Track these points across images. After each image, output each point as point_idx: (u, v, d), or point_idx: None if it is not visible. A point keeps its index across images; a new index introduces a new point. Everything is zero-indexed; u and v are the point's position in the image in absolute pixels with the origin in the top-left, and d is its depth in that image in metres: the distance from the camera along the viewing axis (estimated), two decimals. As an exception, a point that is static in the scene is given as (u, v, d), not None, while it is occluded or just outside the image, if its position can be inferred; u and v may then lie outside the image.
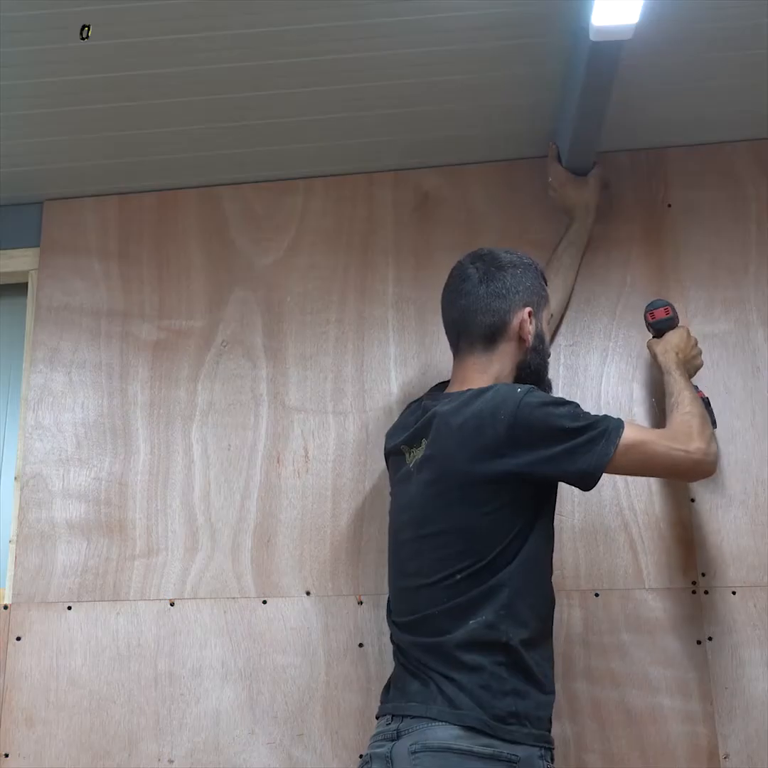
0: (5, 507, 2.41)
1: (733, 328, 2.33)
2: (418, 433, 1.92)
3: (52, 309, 2.47)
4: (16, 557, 2.28)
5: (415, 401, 2.09)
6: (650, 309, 2.19)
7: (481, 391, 1.85)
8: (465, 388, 1.89)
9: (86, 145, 2.37)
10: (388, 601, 1.95)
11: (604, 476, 2.20)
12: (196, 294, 2.46)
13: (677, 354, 2.09)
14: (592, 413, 1.84)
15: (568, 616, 2.14)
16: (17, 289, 2.57)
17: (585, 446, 1.79)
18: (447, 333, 2.04)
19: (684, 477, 2.05)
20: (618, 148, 2.44)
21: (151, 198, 2.54)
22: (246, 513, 2.28)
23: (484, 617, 1.75)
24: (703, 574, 2.16)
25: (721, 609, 2.13)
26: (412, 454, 1.93)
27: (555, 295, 2.25)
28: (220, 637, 2.20)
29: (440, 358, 2.30)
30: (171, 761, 2.12)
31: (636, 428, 1.91)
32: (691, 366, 2.11)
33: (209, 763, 2.12)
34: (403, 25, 2.03)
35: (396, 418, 2.16)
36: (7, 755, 2.14)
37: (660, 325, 2.16)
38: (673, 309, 2.17)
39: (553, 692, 1.80)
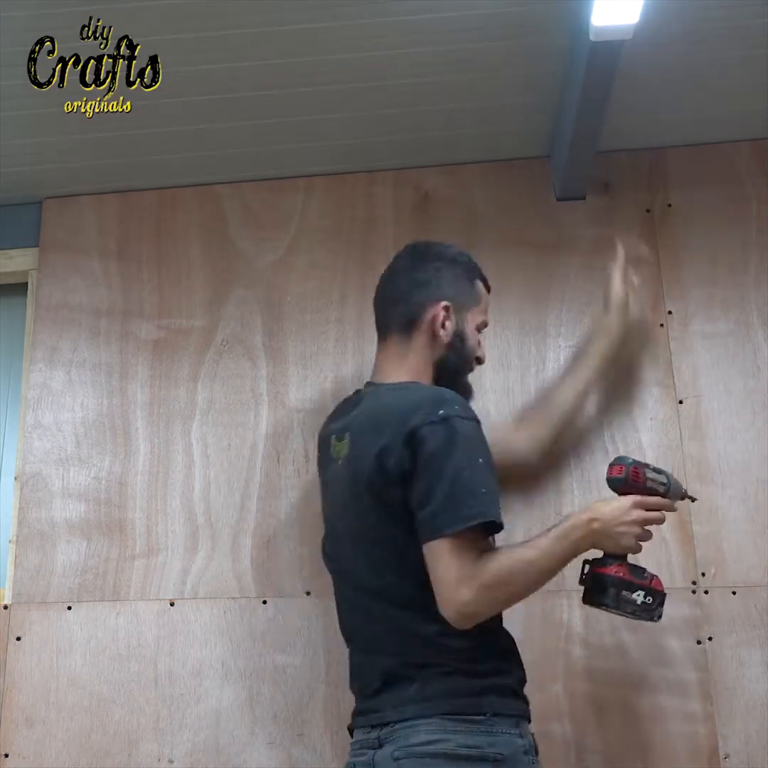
0: (5, 507, 2.40)
1: (733, 328, 2.33)
2: (345, 426, 1.86)
3: (51, 308, 2.47)
4: (15, 557, 2.28)
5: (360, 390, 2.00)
6: (611, 464, 1.84)
7: (401, 390, 1.80)
8: (387, 381, 1.86)
9: (86, 144, 2.37)
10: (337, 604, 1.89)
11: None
12: (196, 293, 2.46)
13: (592, 521, 1.72)
14: (490, 479, 1.67)
15: (568, 616, 2.14)
16: (17, 288, 2.57)
17: (442, 504, 1.64)
18: (375, 319, 1.98)
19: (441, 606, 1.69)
20: (618, 148, 2.44)
21: (151, 197, 2.53)
22: (246, 513, 2.28)
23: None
24: (703, 574, 2.16)
25: (721, 609, 2.13)
26: (337, 447, 1.87)
27: (527, 429, 2.14)
28: (220, 637, 2.20)
29: (440, 358, 2.29)
30: (171, 761, 2.12)
31: (487, 542, 1.69)
32: (611, 542, 1.73)
33: (209, 763, 2.12)
34: (403, 25, 2.04)
35: None
36: (7, 755, 2.14)
37: (611, 484, 1.82)
38: (632, 473, 1.79)
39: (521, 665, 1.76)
